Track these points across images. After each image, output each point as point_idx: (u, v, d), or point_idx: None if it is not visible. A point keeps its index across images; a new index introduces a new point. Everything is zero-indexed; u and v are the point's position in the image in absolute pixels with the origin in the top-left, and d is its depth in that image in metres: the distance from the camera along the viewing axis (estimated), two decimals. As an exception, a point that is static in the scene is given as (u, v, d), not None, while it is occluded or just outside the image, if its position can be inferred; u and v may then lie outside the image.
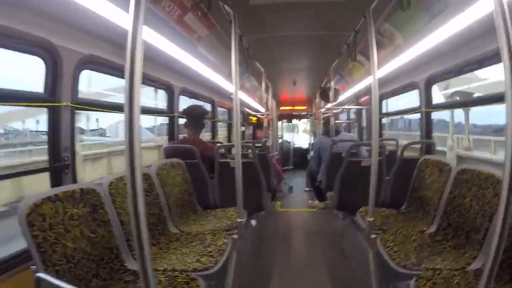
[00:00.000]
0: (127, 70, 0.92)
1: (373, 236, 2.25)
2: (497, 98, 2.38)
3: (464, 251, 1.88)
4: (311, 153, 6.22)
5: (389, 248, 2.00)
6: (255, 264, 2.91)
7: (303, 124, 13.73)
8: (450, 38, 2.31)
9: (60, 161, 1.94)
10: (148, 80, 3.14)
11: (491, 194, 1.79)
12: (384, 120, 5.44)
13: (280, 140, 9.94)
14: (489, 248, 1.02)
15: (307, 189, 6.30)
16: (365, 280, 2.33)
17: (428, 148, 3.24)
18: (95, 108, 2.55)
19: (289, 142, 10.47)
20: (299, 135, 12.98)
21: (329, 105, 4.44)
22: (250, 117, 8.27)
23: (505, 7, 0.99)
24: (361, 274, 2.52)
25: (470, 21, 1.98)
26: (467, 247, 1.88)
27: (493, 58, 2.32)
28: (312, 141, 8.43)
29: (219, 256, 1.85)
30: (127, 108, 0.92)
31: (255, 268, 2.84)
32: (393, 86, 4.12)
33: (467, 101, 2.85)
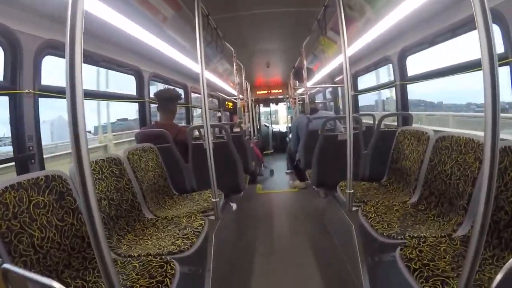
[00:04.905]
0: (67, 45, 0.82)
1: (354, 208, 2.24)
2: (474, 65, 2.31)
3: (449, 218, 1.85)
4: (290, 135, 6.19)
5: (371, 219, 1.97)
6: (236, 247, 2.88)
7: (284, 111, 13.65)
8: (421, 8, 2.29)
9: (24, 150, 1.87)
10: (115, 65, 2.99)
11: (471, 158, 1.77)
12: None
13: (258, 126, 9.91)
14: (475, 213, 0.96)
15: (288, 171, 6.32)
16: (349, 254, 2.31)
17: (405, 120, 3.25)
18: (59, 95, 2.41)
19: (267, 127, 10.48)
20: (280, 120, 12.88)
21: (304, 85, 4.41)
22: (226, 103, 8.17)
23: None
24: (345, 249, 2.50)
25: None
26: (451, 214, 1.85)
27: (465, 26, 2.31)
28: (290, 124, 8.44)
29: (195, 238, 1.82)
30: (69, 91, 0.82)
31: (236, 251, 2.80)
32: (367, 62, 4.14)
33: (443, 71, 2.82)
